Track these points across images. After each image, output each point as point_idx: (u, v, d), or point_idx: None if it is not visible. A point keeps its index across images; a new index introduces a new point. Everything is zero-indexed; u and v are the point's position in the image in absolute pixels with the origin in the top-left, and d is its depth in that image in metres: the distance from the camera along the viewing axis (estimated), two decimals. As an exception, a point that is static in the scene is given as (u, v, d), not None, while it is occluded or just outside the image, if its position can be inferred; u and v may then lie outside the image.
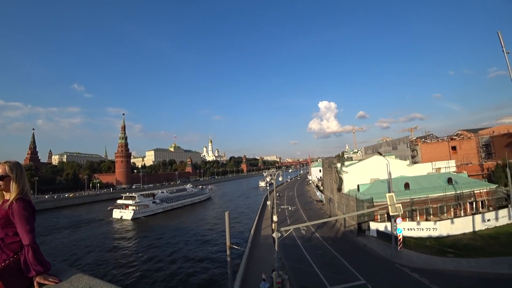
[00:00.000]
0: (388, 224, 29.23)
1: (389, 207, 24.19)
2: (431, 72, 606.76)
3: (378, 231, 31.07)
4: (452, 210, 34.72)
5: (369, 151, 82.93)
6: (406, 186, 35.77)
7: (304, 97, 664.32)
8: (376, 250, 27.62)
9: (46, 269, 2.32)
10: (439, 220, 31.39)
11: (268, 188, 73.40)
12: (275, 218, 33.09)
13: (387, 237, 28.50)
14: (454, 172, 42.17)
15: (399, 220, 26.44)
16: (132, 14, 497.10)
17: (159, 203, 72.15)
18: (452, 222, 30.19)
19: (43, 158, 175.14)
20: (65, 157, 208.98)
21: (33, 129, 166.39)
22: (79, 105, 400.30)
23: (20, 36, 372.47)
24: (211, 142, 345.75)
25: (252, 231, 39.78)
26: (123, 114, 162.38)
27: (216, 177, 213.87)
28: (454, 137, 64.58)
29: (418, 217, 33.80)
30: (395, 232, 26.10)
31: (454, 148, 59.58)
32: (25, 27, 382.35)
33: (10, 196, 2.48)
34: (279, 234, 22.56)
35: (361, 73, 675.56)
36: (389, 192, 30.10)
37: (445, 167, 43.47)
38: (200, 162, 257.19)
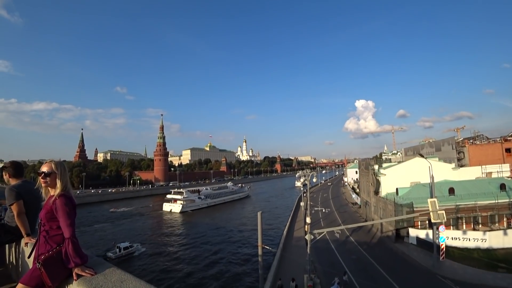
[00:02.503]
0: (430, 232, 27.44)
1: (431, 213, 22.65)
2: (481, 65, 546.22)
3: (418, 238, 29.26)
4: (505, 220, 31.50)
5: (410, 153, 78.30)
6: (451, 191, 33.17)
7: (340, 96, 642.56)
8: (415, 258, 26.06)
9: (84, 262, 2.51)
10: (489, 230, 28.65)
11: (302, 188, 72.84)
12: (308, 220, 32.60)
13: (428, 246, 26.74)
14: (508, 177, 38.22)
15: (442, 228, 24.67)
16: (168, 18, 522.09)
17: (204, 199, 78.70)
18: (505, 234, 27.40)
19: (90, 156, 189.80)
20: (109, 155, 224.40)
21: (82, 129, 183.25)
22: (122, 106, 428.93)
23: (72, 43, 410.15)
24: (245, 141, 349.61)
25: (284, 232, 39.60)
26: (162, 115, 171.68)
27: (249, 176, 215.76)
28: (508, 138, 58.33)
29: (464, 226, 31.18)
30: (437, 240, 24.39)
31: (508, 150, 53.86)
32: (76, 35, 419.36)
33: (55, 192, 2.72)
34: (312, 237, 22.23)
35: (400, 68, 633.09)
36: (432, 197, 28.32)
37: (498, 172, 39.56)
38: (234, 162, 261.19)
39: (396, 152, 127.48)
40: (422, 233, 29.37)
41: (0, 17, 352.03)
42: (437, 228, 24.42)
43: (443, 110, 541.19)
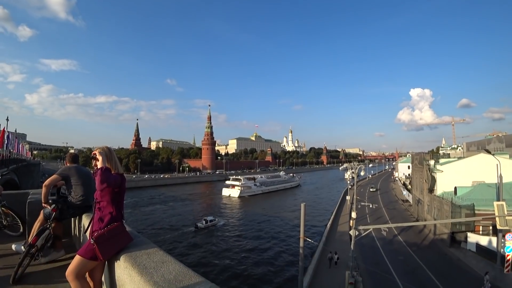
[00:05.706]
0: (494, 239, 24.61)
1: (497, 218, 20.07)
2: None
3: (478, 245, 26.41)
4: None
5: (473, 148, 70.74)
6: (524, 194, 29.15)
7: (393, 84, 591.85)
8: (473, 267, 23.72)
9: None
10: None
11: (349, 182, 70.65)
12: (353, 214, 31.55)
13: (489, 255, 24.05)
14: None
15: (509, 236, 21.90)
16: (216, 11, 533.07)
17: (259, 186, 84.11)
18: None
19: (144, 144, 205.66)
20: (161, 143, 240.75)
21: (137, 119, 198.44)
22: (172, 97, 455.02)
23: (128, 40, 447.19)
24: (291, 132, 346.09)
25: (328, 226, 38.96)
26: (209, 105, 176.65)
27: (294, 167, 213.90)
28: None
29: (538, 235, 27.29)
30: (502, 250, 21.76)
31: None
32: (131, 32, 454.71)
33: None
34: (357, 232, 21.36)
35: (463, 52, 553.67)
36: (498, 200, 25.27)
37: None
38: (279, 152, 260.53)
39: (456, 146, 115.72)
40: (483, 240, 26.47)
41: (67, 22, 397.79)
42: (503, 236, 21.73)
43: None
